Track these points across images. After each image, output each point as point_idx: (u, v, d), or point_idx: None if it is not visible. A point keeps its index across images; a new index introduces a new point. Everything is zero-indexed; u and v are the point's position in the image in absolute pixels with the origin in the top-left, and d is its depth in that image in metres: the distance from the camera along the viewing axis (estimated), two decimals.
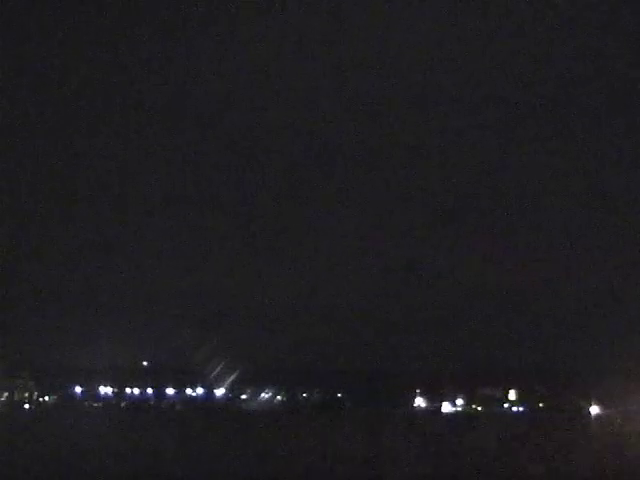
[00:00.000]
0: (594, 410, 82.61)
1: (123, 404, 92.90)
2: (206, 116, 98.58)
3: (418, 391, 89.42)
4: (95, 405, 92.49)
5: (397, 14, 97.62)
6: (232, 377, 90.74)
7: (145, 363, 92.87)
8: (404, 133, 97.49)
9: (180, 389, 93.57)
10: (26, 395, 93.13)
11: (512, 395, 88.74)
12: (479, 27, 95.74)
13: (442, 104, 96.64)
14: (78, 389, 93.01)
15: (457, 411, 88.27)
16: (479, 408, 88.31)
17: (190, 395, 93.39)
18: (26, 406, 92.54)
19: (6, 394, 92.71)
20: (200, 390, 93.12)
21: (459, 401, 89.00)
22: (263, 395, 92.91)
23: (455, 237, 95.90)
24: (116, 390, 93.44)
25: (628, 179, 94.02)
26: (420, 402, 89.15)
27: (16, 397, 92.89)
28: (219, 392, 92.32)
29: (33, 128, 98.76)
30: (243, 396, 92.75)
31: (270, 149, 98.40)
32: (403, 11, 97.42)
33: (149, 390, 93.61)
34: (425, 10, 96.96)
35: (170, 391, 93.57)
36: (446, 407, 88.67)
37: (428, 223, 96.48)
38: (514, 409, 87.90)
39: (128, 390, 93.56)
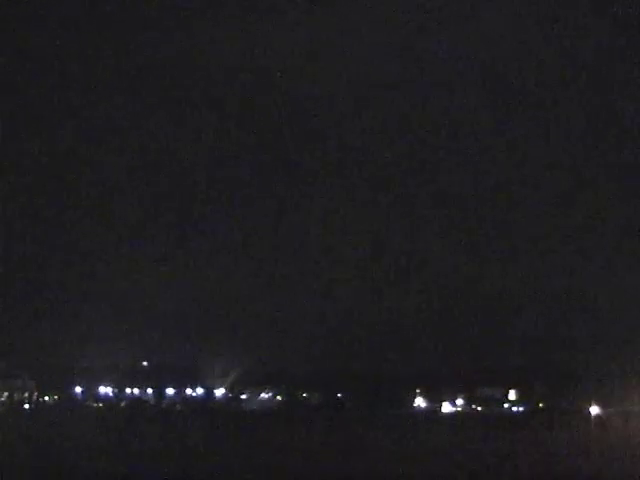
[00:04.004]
0: (594, 410, 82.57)
1: (123, 404, 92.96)
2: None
3: (418, 391, 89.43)
4: (95, 405, 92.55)
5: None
6: (232, 377, 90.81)
7: (145, 363, 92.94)
8: (405, 126, 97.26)
9: (180, 389, 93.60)
10: (26, 395, 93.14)
11: (512, 395, 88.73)
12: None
13: (445, 92, 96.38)
14: (78, 389, 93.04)
15: (457, 411, 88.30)
16: (479, 408, 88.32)
17: (190, 395, 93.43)
18: (26, 406, 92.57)
19: (6, 394, 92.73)
20: (200, 390, 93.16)
21: (459, 401, 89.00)
22: (263, 395, 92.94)
23: (455, 237, 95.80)
24: (116, 390, 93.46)
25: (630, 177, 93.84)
26: (420, 402, 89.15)
27: (16, 397, 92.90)
28: (219, 392, 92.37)
29: (29, 124, 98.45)
30: (243, 396, 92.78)
31: (271, 146, 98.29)
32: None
33: (149, 390, 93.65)
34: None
35: (170, 391, 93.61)
36: (446, 407, 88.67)
37: (426, 223, 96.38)
38: (514, 409, 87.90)
39: (128, 390, 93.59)
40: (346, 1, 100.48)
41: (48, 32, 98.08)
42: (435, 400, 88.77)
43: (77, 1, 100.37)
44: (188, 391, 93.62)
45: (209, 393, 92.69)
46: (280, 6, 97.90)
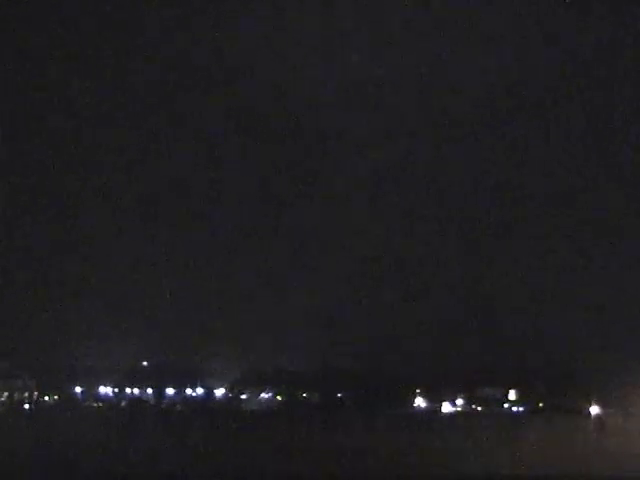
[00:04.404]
0: (594, 410, 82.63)
1: (123, 404, 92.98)
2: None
3: (418, 391, 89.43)
4: (95, 405, 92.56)
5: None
6: (232, 377, 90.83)
7: (145, 363, 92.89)
8: (403, 125, 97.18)
9: (180, 389, 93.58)
10: (26, 395, 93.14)
11: (512, 395, 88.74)
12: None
13: (443, 94, 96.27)
14: (78, 389, 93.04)
15: (457, 411, 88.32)
16: (479, 408, 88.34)
17: (190, 395, 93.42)
18: (26, 406, 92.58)
19: (6, 394, 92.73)
20: (200, 390, 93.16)
21: (459, 401, 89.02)
22: (263, 395, 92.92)
23: (453, 236, 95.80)
24: (116, 390, 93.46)
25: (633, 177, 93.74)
26: (420, 402, 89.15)
27: (16, 397, 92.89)
28: (219, 392, 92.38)
29: (29, 122, 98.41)
30: (243, 396, 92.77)
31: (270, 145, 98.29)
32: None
33: (149, 390, 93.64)
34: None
35: (170, 391, 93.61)
36: (446, 407, 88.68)
37: (427, 223, 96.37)
38: (514, 409, 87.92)
39: (128, 390, 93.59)
40: (346, 1, 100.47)
41: (48, 32, 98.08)
42: (435, 400, 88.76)
43: (77, 1, 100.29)
44: (188, 391, 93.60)
45: (209, 393, 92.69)
46: (280, 6, 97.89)
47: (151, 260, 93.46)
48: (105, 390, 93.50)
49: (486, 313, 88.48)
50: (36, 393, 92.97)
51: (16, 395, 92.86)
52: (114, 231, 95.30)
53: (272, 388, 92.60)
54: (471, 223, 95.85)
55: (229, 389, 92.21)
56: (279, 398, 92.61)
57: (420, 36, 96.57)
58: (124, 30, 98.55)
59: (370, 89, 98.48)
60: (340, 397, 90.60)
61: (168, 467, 62.73)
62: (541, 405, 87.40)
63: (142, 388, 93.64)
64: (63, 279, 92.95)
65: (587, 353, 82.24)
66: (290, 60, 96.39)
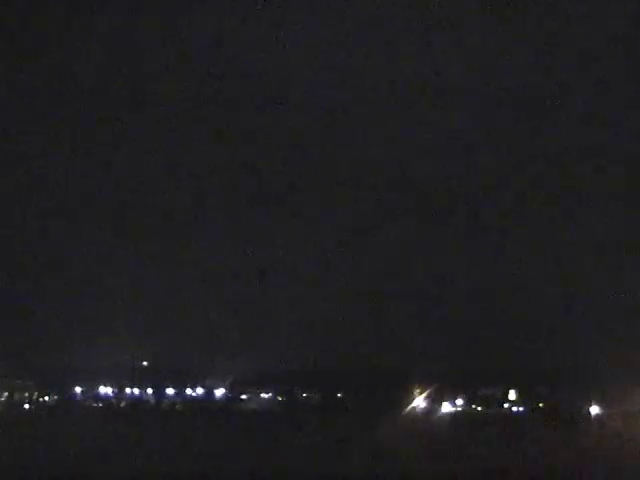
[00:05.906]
0: (594, 410, 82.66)
1: (123, 404, 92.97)
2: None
3: (418, 391, 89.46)
4: (95, 405, 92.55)
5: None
6: (232, 377, 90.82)
7: (145, 363, 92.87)
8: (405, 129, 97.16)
9: (180, 389, 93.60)
10: (26, 395, 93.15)
11: (512, 395, 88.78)
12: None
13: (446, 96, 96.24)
14: (78, 389, 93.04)
15: (457, 411, 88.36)
16: (479, 408, 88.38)
17: (190, 395, 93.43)
18: (26, 406, 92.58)
19: (6, 394, 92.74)
20: (200, 390, 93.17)
21: (459, 401, 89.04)
22: (263, 395, 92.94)
23: (453, 236, 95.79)
24: (116, 390, 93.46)
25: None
26: (420, 402, 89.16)
27: (16, 397, 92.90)
28: (219, 392, 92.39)
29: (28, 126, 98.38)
30: (243, 396, 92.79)
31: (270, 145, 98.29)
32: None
33: (149, 390, 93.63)
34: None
35: (170, 391, 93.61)
36: (446, 407, 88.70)
37: (426, 223, 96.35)
38: (514, 409, 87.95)
39: (128, 390, 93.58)
40: (346, 2, 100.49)
41: (48, 33, 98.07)
42: (435, 400, 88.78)
43: (77, 2, 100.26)
44: (188, 391, 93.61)
45: (209, 393, 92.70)
46: (280, 6, 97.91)
47: (151, 260, 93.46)
48: (105, 390, 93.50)
49: (486, 313, 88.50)
50: (36, 393, 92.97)
51: (16, 395, 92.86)
52: (114, 230, 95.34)
53: (272, 388, 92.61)
54: (469, 224, 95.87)
55: (229, 389, 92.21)
56: (279, 398, 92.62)
57: (419, 36, 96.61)
58: (126, 31, 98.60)
59: (371, 90, 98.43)
60: (340, 397, 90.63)
61: (168, 467, 62.76)
62: (541, 405, 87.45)
63: (142, 388, 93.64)
64: (63, 279, 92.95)
65: (587, 353, 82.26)
66: (291, 62, 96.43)
